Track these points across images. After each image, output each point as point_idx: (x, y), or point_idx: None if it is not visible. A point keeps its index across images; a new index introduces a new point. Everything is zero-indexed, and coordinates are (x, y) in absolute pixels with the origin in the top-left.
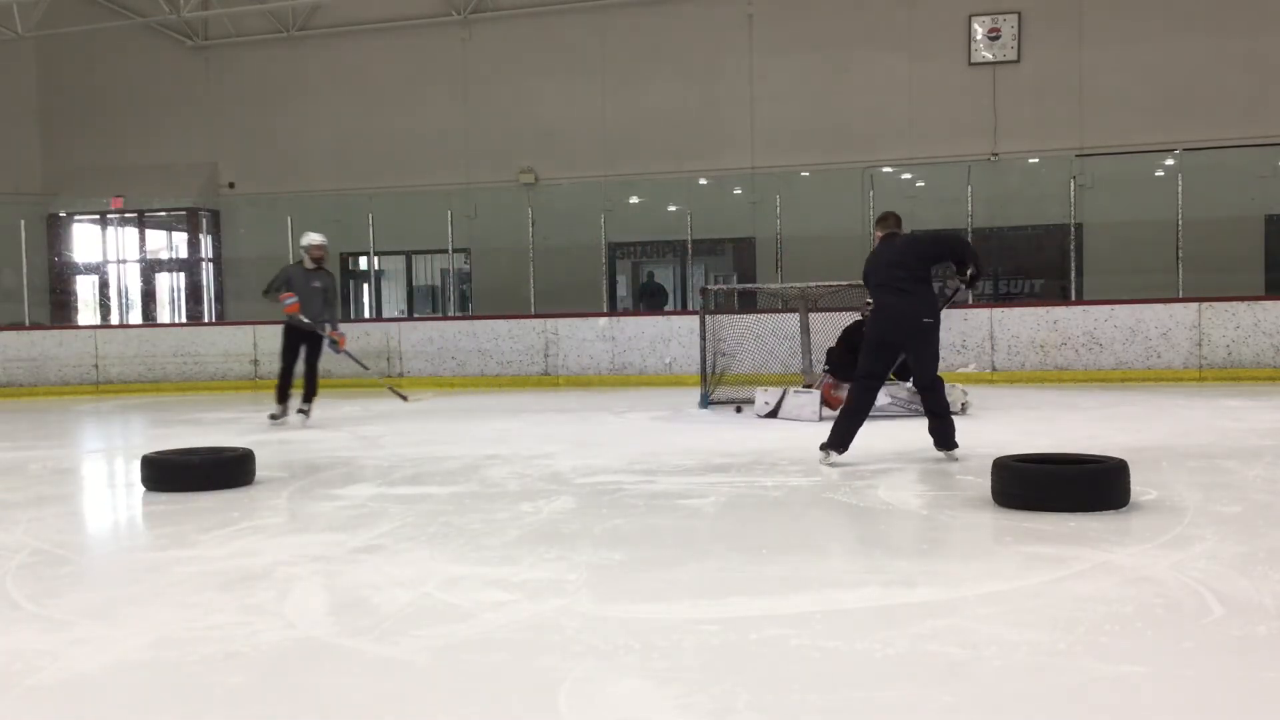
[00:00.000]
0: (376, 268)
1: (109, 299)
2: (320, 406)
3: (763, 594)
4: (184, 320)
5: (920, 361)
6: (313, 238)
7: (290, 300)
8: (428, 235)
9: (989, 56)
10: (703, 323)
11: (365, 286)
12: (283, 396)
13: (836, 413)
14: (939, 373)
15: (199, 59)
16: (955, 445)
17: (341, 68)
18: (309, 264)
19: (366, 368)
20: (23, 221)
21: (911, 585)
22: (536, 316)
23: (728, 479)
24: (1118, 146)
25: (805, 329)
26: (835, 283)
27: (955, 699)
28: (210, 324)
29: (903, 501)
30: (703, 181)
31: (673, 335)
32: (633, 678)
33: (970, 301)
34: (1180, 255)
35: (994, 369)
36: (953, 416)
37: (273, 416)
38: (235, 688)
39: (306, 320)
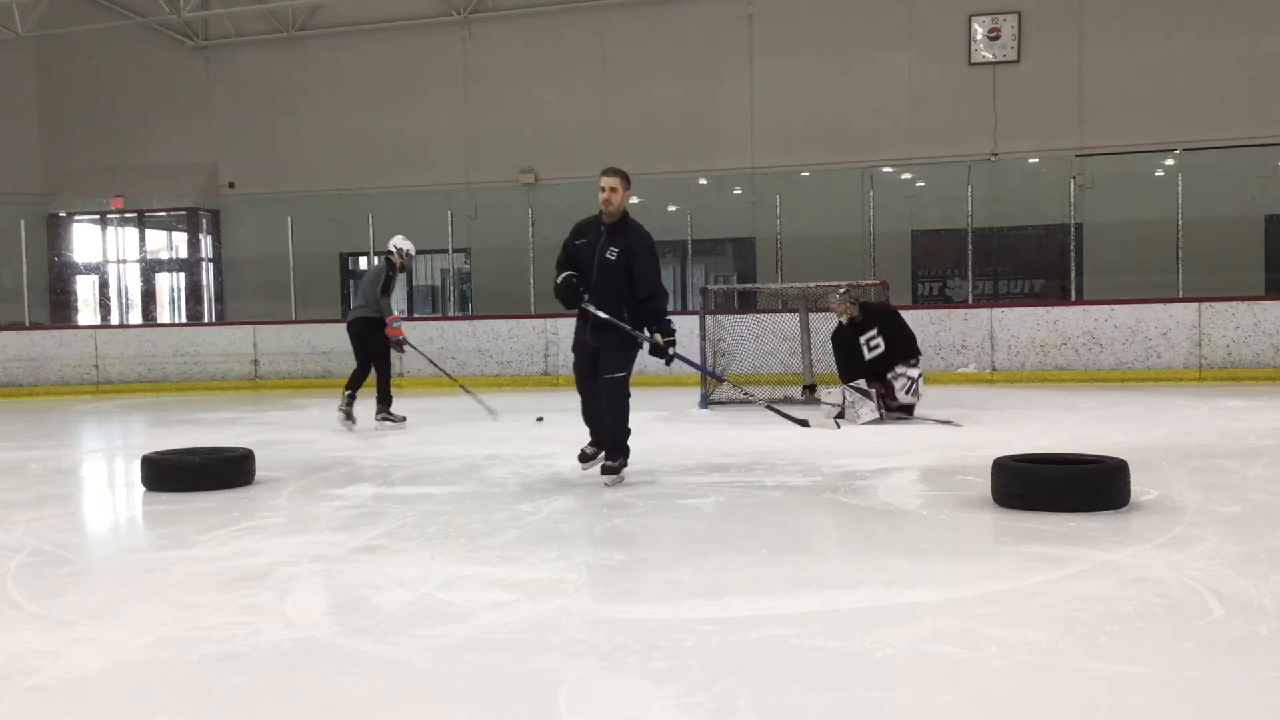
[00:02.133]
0: None
1: (109, 299)
2: (320, 407)
3: (763, 594)
4: (184, 320)
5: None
6: (410, 244)
7: (398, 323)
8: (428, 235)
9: (989, 56)
10: (703, 323)
11: None
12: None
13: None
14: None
15: (199, 59)
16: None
17: (341, 68)
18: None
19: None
20: (23, 221)
21: (911, 585)
22: (536, 316)
23: (728, 479)
24: (1118, 146)
25: (805, 329)
26: (835, 283)
27: (955, 699)
28: (210, 324)
29: (903, 501)
30: (703, 181)
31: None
32: (633, 678)
33: None
34: (1180, 255)
35: (994, 369)
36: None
37: (403, 418)
38: (235, 687)
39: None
